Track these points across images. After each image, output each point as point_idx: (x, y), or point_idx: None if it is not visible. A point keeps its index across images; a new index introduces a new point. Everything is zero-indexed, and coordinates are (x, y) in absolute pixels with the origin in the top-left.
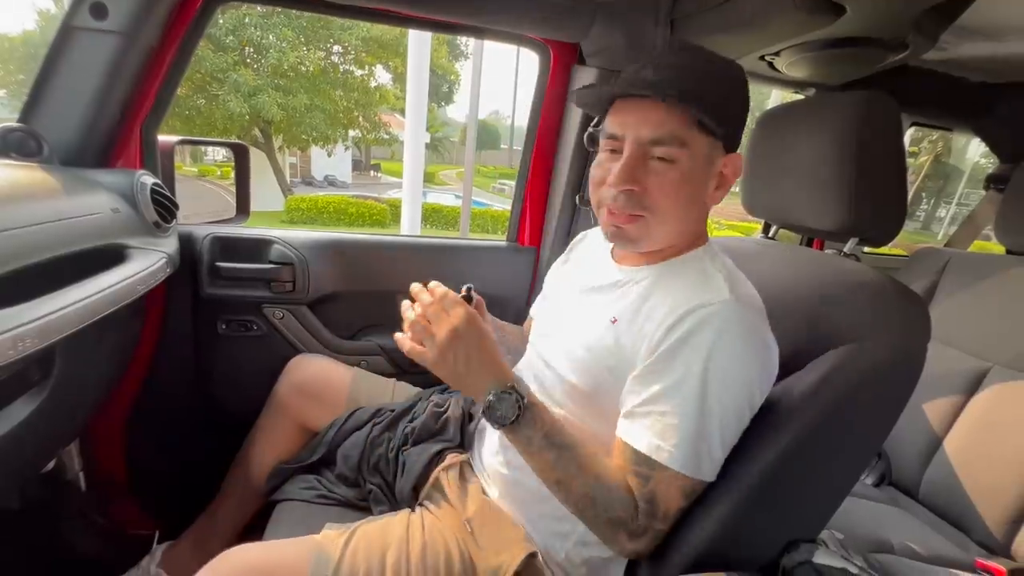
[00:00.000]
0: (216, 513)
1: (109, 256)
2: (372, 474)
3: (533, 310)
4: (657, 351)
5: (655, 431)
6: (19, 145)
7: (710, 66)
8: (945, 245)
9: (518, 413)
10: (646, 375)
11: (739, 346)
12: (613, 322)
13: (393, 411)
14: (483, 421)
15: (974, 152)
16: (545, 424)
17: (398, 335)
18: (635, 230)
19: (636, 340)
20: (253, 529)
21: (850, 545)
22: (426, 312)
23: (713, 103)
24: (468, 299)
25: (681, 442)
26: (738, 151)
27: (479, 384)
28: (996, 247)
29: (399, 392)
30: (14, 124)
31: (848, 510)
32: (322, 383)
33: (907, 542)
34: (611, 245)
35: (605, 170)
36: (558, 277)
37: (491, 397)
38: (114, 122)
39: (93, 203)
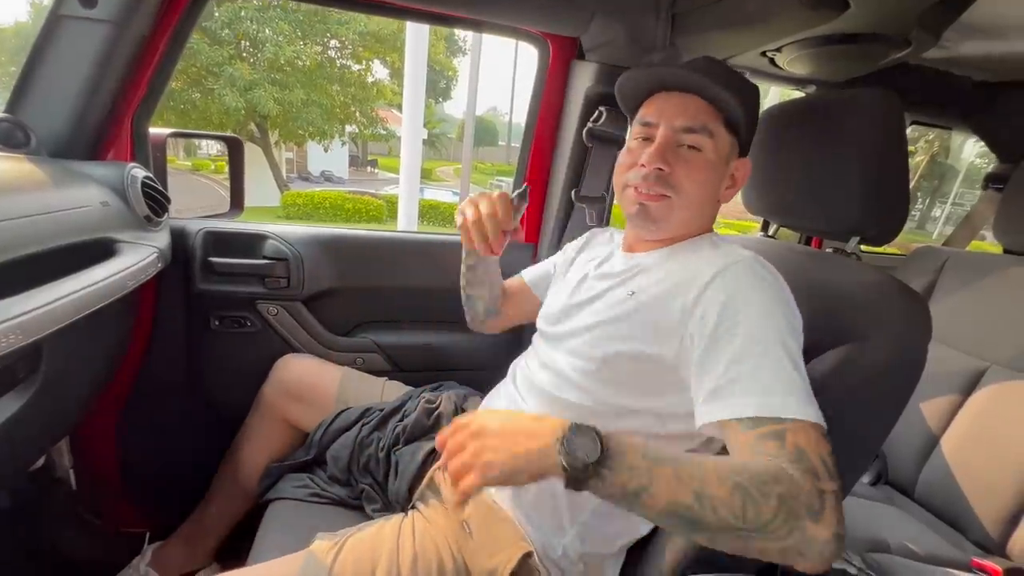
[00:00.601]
0: (206, 512)
1: (98, 250)
2: (363, 475)
3: (527, 274)
4: (706, 318)
5: (756, 389)
6: (6, 136)
7: (736, 76)
8: (943, 244)
9: (600, 443)
10: (711, 350)
11: (779, 291)
12: (631, 295)
13: (382, 410)
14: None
15: (970, 152)
16: (637, 443)
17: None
18: (659, 209)
19: (662, 300)
20: (245, 528)
21: (848, 545)
22: (448, 448)
23: (740, 104)
24: (523, 197)
25: (790, 386)
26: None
27: (537, 437)
28: (989, 246)
29: (389, 391)
30: (1, 115)
31: (844, 509)
32: (309, 383)
33: (904, 541)
34: (621, 241)
35: (635, 155)
36: (571, 265)
37: (562, 441)
38: (104, 113)
39: (82, 196)
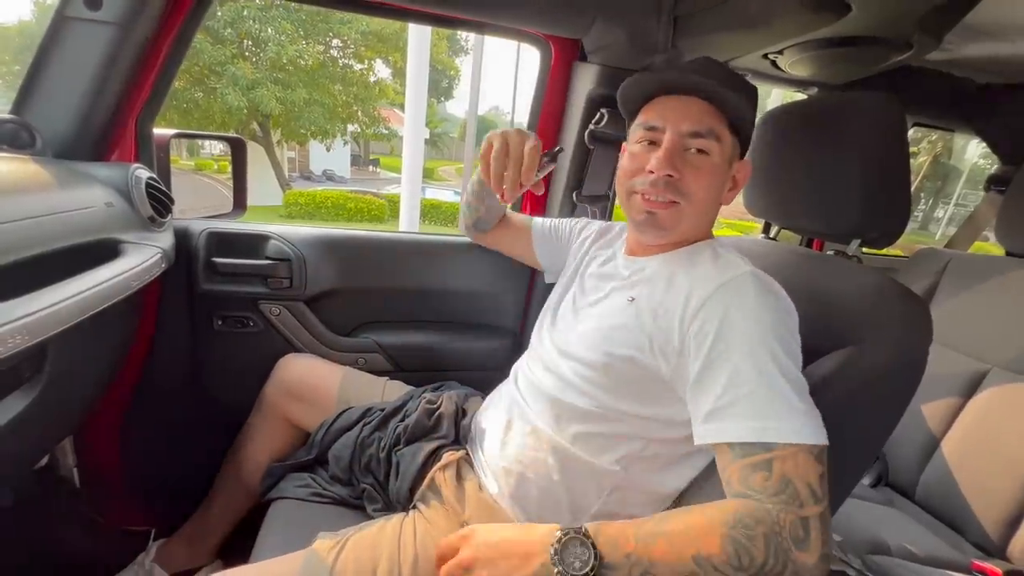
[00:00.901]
0: (209, 510)
1: (103, 251)
2: (364, 474)
3: (537, 219)
4: (702, 335)
5: (751, 413)
6: (11, 137)
7: (737, 77)
8: (945, 246)
9: (592, 546)
10: (708, 369)
11: (777, 307)
12: (631, 301)
13: (383, 410)
14: (480, 415)
15: (972, 153)
16: (626, 529)
17: None
18: (669, 216)
19: (660, 312)
20: (247, 526)
21: (848, 547)
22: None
23: (747, 104)
24: (553, 157)
25: (785, 409)
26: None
27: (530, 557)
28: (993, 248)
29: (390, 391)
30: (6, 116)
31: (845, 511)
32: (310, 383)
33: (904, 543)
34: (623, 242)
35: (641, 160)
36: (584, 253)
37: (556, 553)
38: (109, 114)
39: (87, 197)
